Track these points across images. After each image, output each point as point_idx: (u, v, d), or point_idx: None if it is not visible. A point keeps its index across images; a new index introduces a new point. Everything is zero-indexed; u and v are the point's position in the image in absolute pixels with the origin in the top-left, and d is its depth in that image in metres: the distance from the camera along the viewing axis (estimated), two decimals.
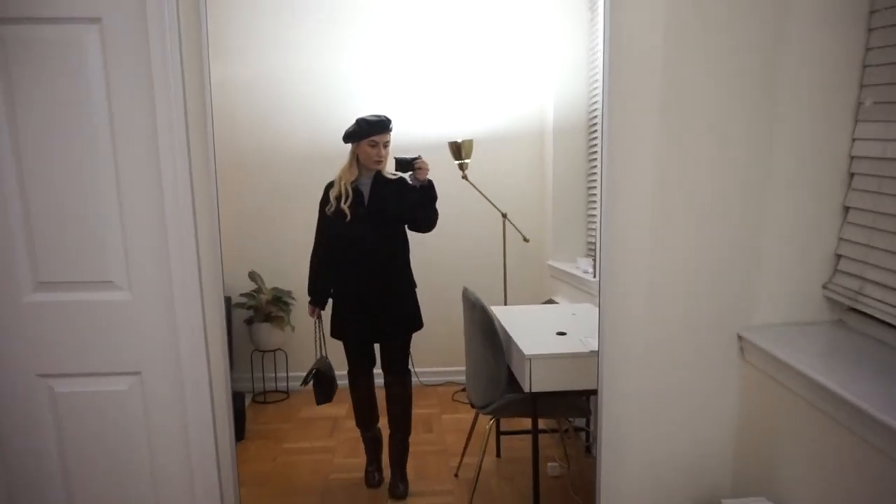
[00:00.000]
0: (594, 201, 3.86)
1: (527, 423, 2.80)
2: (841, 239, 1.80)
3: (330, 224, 2.91)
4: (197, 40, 1.82)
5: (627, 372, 1.88)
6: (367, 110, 2.96)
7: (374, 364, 3.08)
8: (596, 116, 3.77)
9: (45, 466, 1.96)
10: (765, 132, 1.77)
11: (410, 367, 3.07)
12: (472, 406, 2.98)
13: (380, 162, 2.87)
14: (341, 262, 2.93)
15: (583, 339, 2.61)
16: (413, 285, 3.02)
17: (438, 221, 2.98)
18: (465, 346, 3.04)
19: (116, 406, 1.95)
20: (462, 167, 3.88)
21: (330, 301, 3.04)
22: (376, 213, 2.87)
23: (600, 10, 3.11)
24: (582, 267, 3.63)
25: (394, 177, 2.93)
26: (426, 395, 4.20)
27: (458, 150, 3.85)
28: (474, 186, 3.88)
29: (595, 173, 3.83)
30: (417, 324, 3.02)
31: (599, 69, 3.36)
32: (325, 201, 2.94)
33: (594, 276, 3.31)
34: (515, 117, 4.28)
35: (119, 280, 1.89)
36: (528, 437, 2.74)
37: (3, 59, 1.76)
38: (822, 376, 1.48)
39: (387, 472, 3.12)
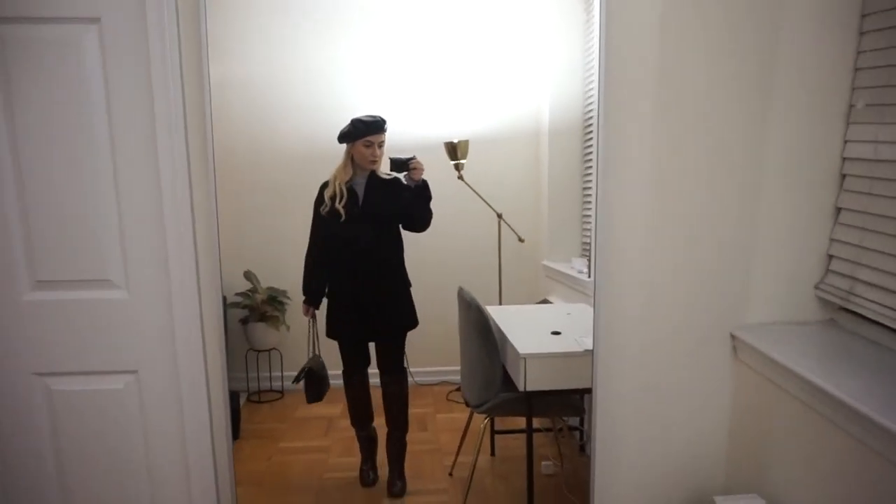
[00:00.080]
0: (589, 202, 3.88)
1: (521, 422, 2.81)
2: (833, 239, 1.82)
3: (325, 224, 2.92)
4: (196, 40, 1.83)
5: (622, 371, 1.90)
6: (364, 110, 2.97)
7: (368, 363, 3.09)
8: (591, 117, 3.78)
9: (41, 465, 1.96)
10: (758, 134, 1.79)
11: (406, 365, 3.09)
12: (467, 405, 2.99)
13: (375, 162, 2.88)
14: (336, 261, 2.94)
15: (577, 338, 2.62)
16: (408, 285, 3.03)
17: (434, 221, 2.99)
18: (460, 345, 3.05)
19: (113, 405, 1.95)
20: (458, 167, 3.89)
21: (325, 301, 3.04)
22: (371, 213, 2.88)
23: (596, 12, 3.13)
24: (577, 267, 3.64)
25: (389, 177, 2.93)
26: (421, 395, 4.21)
27: (454, 151, 3.86)
28: (470, 187, 3.90)
29: (590, 174, 3.84)
30: (412, 323, 3.03)
31: (595, 70, 3.39)
32: (319, 201, 2.94)
33: (589, 277, 3.33)
34: (511, 118, 4.30)
35: (117, 279, 1.89)
36: (523, 436, 2.75)
37: (2, 58, 1.76)
38: (813, 375, 1.50)
39: (382, 472, 3.13)
